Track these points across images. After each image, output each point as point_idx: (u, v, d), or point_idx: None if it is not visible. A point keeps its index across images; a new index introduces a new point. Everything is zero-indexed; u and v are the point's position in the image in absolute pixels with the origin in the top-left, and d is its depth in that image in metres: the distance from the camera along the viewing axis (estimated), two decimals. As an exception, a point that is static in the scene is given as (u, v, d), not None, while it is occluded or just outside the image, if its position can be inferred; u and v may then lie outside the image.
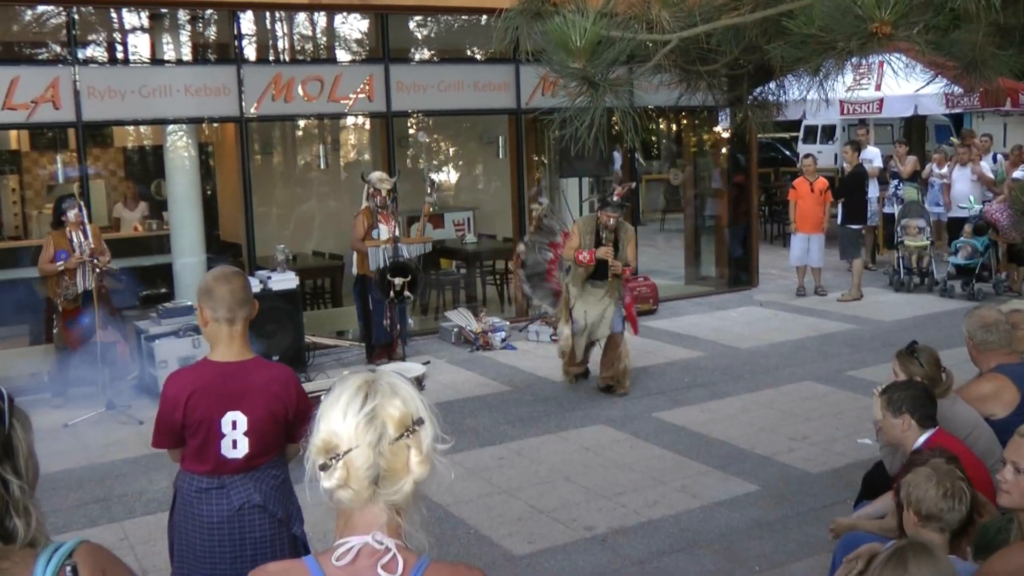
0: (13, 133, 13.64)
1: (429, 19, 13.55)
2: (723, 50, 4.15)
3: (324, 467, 1.86)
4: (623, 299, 8.71)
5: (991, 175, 13.80)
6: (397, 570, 1.88)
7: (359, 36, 13.38)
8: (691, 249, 14.50)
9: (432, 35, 14.20)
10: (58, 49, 10.84)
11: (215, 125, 12.17)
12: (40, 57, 11.57)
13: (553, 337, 10.64)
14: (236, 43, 10.28)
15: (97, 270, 8.28)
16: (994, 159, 14.68)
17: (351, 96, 10.65)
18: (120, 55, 12.06)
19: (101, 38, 12.10)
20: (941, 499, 3.53)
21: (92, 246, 8.33)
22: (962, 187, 13.71)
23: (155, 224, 12.75)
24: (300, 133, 14.52)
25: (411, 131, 14.73)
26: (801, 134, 22.15)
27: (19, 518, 1.84)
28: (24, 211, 13.95)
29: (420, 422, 1.90)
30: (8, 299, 9.59)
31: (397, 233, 9.58)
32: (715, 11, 3.68)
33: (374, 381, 1.92)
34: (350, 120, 14.14)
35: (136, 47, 11.92)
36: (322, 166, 13.68)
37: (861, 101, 15.47)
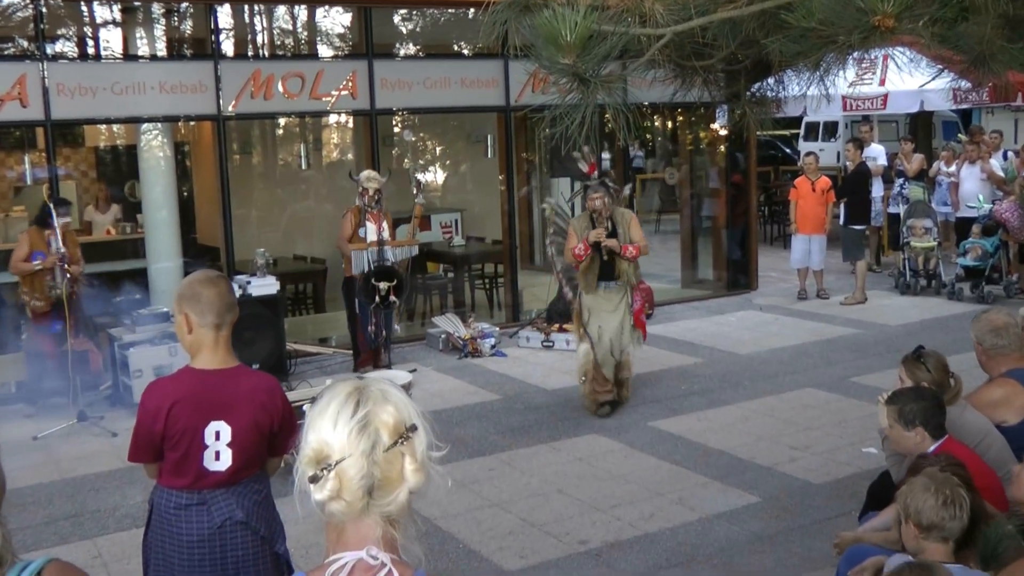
0: (-22, 133, 13.62)
1: (414, 13, 13.58)
2: (719, 44, 4.16)
3: (315, 479, 1.85)
4: (632, 304, 8.33)
5: (1001, 173, 13.83)
6: None
7: (341, 30, 13.40)
8: (688, 251, 14.52)
9: (417, 29, 14.22)
10: (25, 44, 10.83)
11: (191, 124, 12.17)
12: (6, 52, 11.53)
13: (545, 343, 10.65)
14: (213, 38, 10.28)
15: (67, 276, 8.27)
16: (1004, 156, 14.72)
17: (333, 93, 10.65)
18: (91, 50, 12.05)
19: (71, 32, 12.09)
20: (941, 507, 3.53)
21: (64, 251, 8.31)
22: (971, 186, 13.76)
23: (129, 227, 12.73)
24: (280, 132, 14.53)
25: (396, 130, 14.73)
26: (802, 131, 22.23)
27: (-15, 536, 1.83)
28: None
29: (413, 428, 1.90)
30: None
31: (385, 235, 9.58)
32: (711, 4, 3.70)
33: (364, 387, 1.92)
34: (332, 118, 14.16)
35: (108, 42, 11.92)
36: (303, 166, 13.67)
37: (864, 97, 15.52)
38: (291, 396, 7.54)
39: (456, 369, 10.02)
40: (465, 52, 13.31)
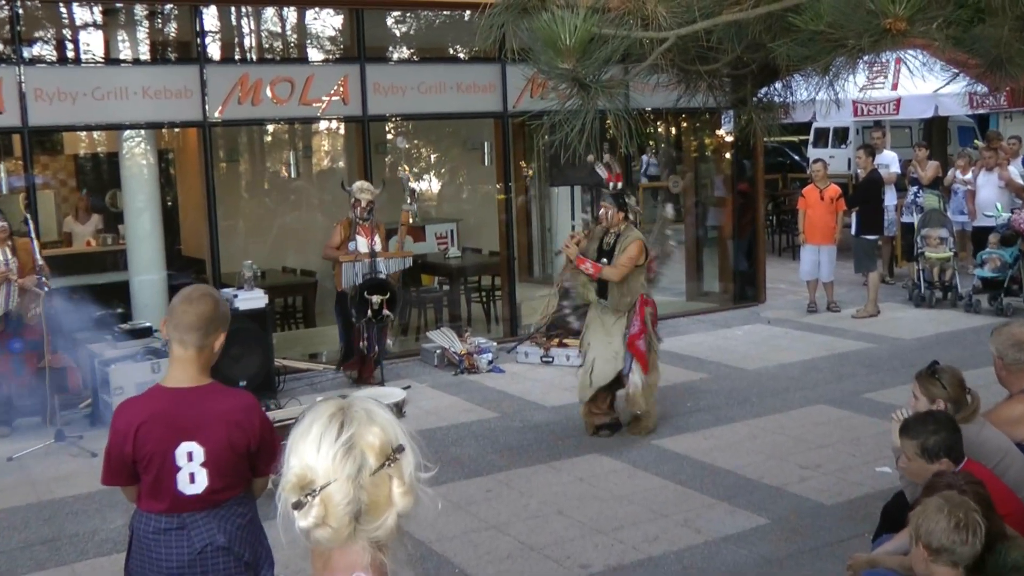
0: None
1: (408, 15, 13.61)
2: (725, 48, 4.18)
3: (298, 505, 1.85)
4: (629, 328, 8.09)
5: (1020, 180, 13.85)
6: None
7: (332, 34, 13.43)
8: (692, 262, 14.52)
9: (411, 32, 14.26)
10: (1, 47, 10.83)
11: (176, 130, 12.18)
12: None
13: (544, 359, 10.66)
14: (199, 41, 10.30)
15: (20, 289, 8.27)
16: (1023, 163, 14.76)
17: (324, 98, 10.68)
18: (71, 54, 12.07)
19: (50, 35, 12.11)
20: (953, 531, 3.52)
21: (11, 264, 8.31)
22: (988, 194, 13.78)
23: (110, 238, 12.74)
24: (269, 139, 14.55)
25: (389, 136, 14.76)
26: (811, 138, 22.29)
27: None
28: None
29: (401, 449, 1.89)
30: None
31: (376, 248, 9.59)
32: (715, 6, 3.71)
33: (348, 407, 1.91)
34: (323, 125, 14.17)
35: (89, 45, 11.93)
36: (293, 175, 13.71)
37: (876, 102, 15.56)
38: (279, 415, 7.57)
39: (452, 386, 10.01)
40: (461, 56, 13.34)
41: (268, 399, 8.93)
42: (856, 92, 14.90)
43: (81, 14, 11.79)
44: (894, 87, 15.46)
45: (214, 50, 11.79)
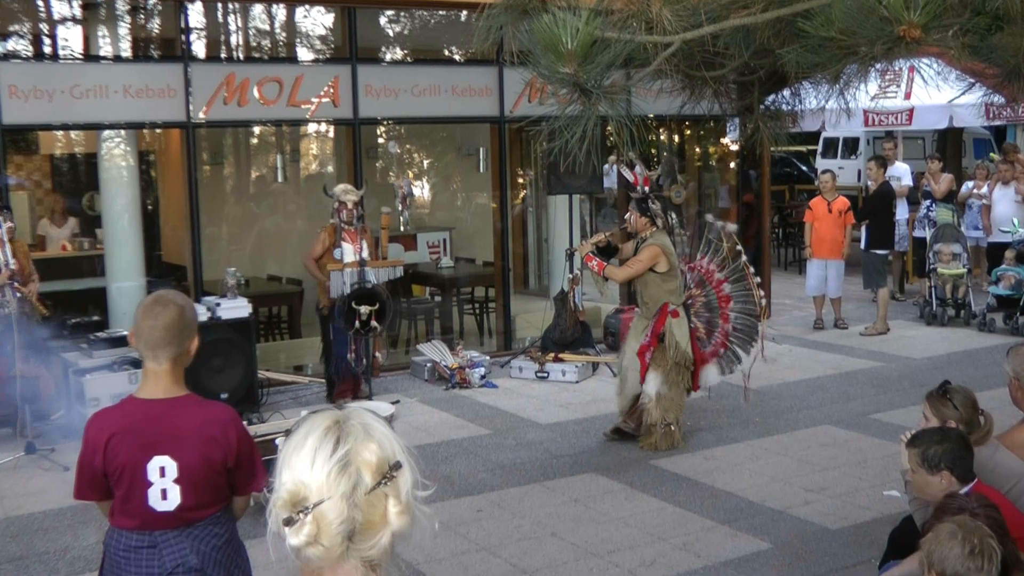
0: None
1: (402, 14, 13.63)
2: (731, 54, 4.19)
3: (290, 522, 1.84)
4: (646, 334, 8.32)
5: (1038, 195, 13.92)
6: None
7: (323, 33, 13.44)
8: (696, 276, 14.53)
9: (405, 32, 14.28)
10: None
11: (158, 131, 12.19)
12: (-45, 52, 11.57)
13: (539, 374, 10.66)
14: (183, 38, 10.31)
15: (18, 295, 8.25)
16: (1041, 177, 14.82)
17: (313, 100, 10.69)
18: (48, 49, 12.06)
19: (25, 29, 12.10)
20: (968, 557, 3.52)
21: (14, 266, 8.30)
22: (1004, 208, 13.82)
23: (87, 243, 12.72)
24: (255, 141, 14.55)
25: (381, 140, 14.78)
26: (820, 148, 22.34)
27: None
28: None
29: (398, 466, 1.89)
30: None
31: (365, 255, 9.58)
32: (722, 10, 3.73)
33: (345, 421, 1.90)
34: (312, 127, 14.18)
35: (67, 40, 11.92)
36: (280, 179, 13.69)
37: (888, 111, 15.60)
38: (263, 429, 7.56)
39: (443, 401, 10.01)
40: (457, 58, 13.37)
41: (250, 413, 8.92)
42: (867, 101, 14.91)
43: (59, 7, 11.79)
44: (907, 96, 15.49)
45: (199, 47, 11.80)
